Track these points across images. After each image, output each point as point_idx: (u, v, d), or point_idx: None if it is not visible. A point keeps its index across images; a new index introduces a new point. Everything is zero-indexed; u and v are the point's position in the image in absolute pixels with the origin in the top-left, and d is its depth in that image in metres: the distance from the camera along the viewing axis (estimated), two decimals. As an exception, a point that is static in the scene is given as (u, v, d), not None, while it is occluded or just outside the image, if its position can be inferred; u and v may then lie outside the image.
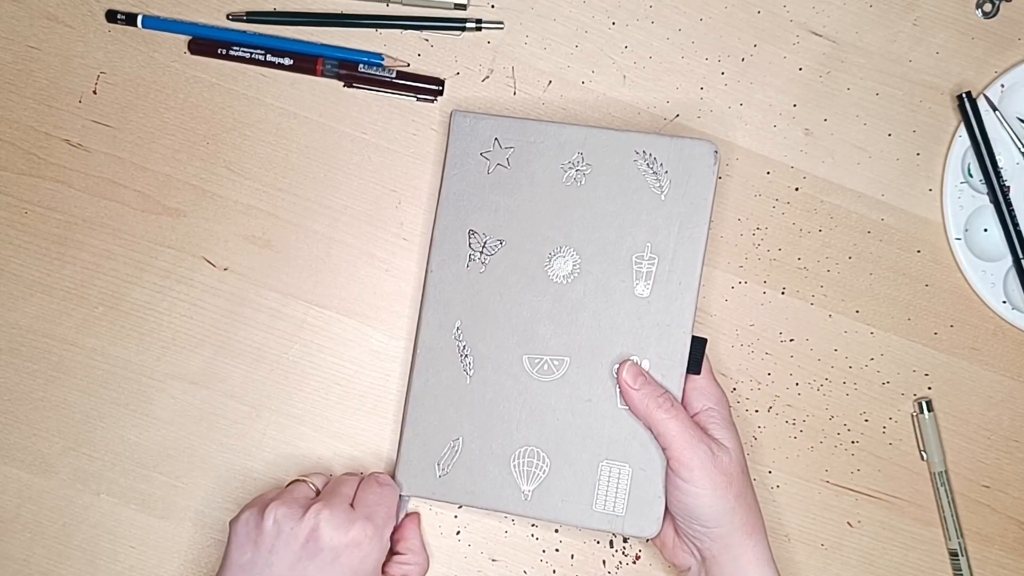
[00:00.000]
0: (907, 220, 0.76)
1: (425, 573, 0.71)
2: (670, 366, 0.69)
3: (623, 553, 0.75)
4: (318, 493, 0.69)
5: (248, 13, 0.75)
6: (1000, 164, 0.75)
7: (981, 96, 0.75)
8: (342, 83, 0.75)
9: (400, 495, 0.72)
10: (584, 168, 0.71)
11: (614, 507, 0.69)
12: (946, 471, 0.75)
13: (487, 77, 0.76)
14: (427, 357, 0.72)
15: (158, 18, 0.75)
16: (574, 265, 0.71)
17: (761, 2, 0.76)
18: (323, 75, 0.75)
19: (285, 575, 0.64)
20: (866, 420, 0.76)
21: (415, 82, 0.75)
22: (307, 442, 0.75)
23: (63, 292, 0.75)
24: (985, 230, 0.76)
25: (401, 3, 0.75)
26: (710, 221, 0.70)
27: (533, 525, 0.75)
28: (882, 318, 0.76)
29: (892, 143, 0.76)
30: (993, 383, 0.76)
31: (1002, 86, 0.75)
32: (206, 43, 0.75)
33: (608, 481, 0.69)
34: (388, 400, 0.75)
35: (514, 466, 0.70)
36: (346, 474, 0.72)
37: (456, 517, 0.75)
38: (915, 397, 0.76)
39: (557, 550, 0.75)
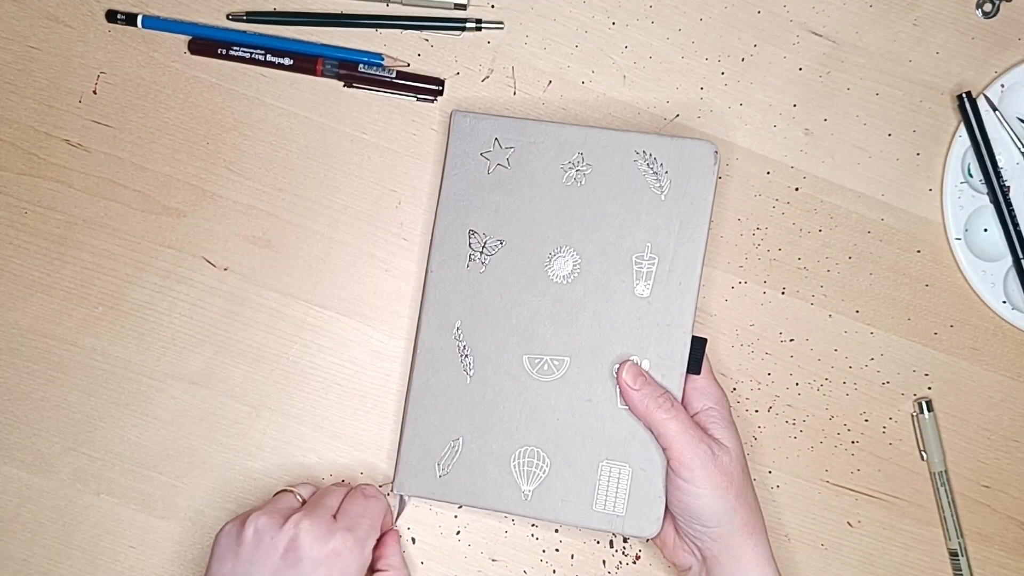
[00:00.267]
0: (907, 220, 0.76)
1: None
2: (670, 366, 0.69)
3: (623, 553, 0.75)
4: (304, 504, 0.69)
5: (248, 13, 0.75)
6: (1000, 164, 0.75)
7: (981, 96, 0.75)
8: (342, 83, 0.75)
9: (402, 496, 0.72)
10: (584, 168, 0.71)
11: (614, 507, 0.69)
12: (946, 471, 0.75)
13: (487, 77, 0.76)
14: (427, 357, 0.72)
15: (158, 18, 0.75)
16: (574, 265, 0.71)
17: (761, 2, 0.76)
18: (323, 75, 0.75)
19: None
20: (866, 420, 0.76)
21: (415, 82, 0.75)
22: (307, 442, 0.75)
23: (63, 292, 0.75)
24: (985, 230, 0.76)
25: (401, 3, 0.75)
26: (710, 221, 0.70)
27: (533, 525, 0.75)
28: (882, 318, 0.76)
29: (892, 143, 0.76)
30: (993, 383, 0.76)
31: (1002, 86, 0.75)
32: (206, 43, 0.75)
33: (608, 481, 0.69)
34: (388, 400, 0.75)
35: (514, 466, 0.70)
36: (334, 485, 0.72)
37: (456, 517, 0.75)
38: (915, 397, 0.76)
39: (557, 550, 0.75)
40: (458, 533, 0.75)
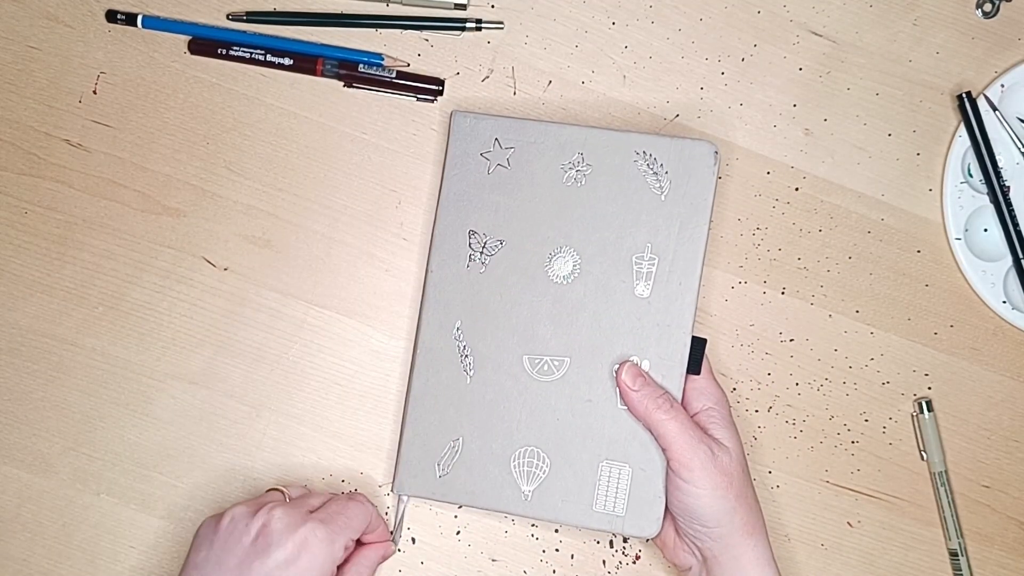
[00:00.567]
0: (907, 220, 0.76)
1: None
2: (670, 366, 0.69)
3: (623, 553, 0.75)
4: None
5: (248, 13, 0.75)
6: (1000, 164, 0.75)
7: (981, 96, 0.75)
8: (342, 83, 0.75)
9: (401, 496, 0.72)
10: (584, 168, 0.71)
11: (614, 507, 0.69)
12: (946, 471, 0.75)
13: (487, 77, 0.76)
14: (427, 357, 0.72)
15: (158, 18, 0.75)
16: (574, 265, 0.71)
17: (761, 2, 0.76)
18: (323, 75, 0.75)
19: (233, 572, 0.62)
20: (866, 420, 0.76)
21: (415, 82, 0.75)
22: (307, 442, 0.75)
23: (63, 292, 0.75)
24: (985, 230, 0.76)
25: (401, 3, 0.75)
26: (710, 221, 0.70)
27: (533, 525, 0.75)
28: (882, 318, 0.76)
29: (892, 143, 0.76)
30: (993, 383, 0.76)
31: (1002, 86, 0.75)
32: (206, 43, 0.75)
33: (608, 481, 0.69)
34: (388, 400, 0.75)
35: (514, 466, 0.70)
36: (328, 492, 0.72)
37: (456, 517, 0.75)
38: (915, 397, 0.76)
39: (557, 550, 0.75)
40: (458, 533, 0.75)
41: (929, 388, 0.76)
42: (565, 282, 0.71)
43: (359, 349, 0.75)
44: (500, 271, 0.71)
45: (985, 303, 0.76)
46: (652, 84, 0.76)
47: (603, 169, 0.71)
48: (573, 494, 0.70)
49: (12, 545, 0.74)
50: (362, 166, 0.76)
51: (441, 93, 0.75)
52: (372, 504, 0.69)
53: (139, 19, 0.75)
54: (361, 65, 0.75)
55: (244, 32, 0.75)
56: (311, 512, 0.66)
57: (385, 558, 0.71)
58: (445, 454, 0.71)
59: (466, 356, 0.71)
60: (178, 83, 0.76)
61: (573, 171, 0.71)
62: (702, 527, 0.67)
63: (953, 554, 0.75)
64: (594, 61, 0.76)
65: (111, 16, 0.75)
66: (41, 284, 0.75)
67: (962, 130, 0.75)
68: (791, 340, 0.76)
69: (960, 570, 0.75)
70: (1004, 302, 0.75)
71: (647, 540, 0.75)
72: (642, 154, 0.70)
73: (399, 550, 0.75)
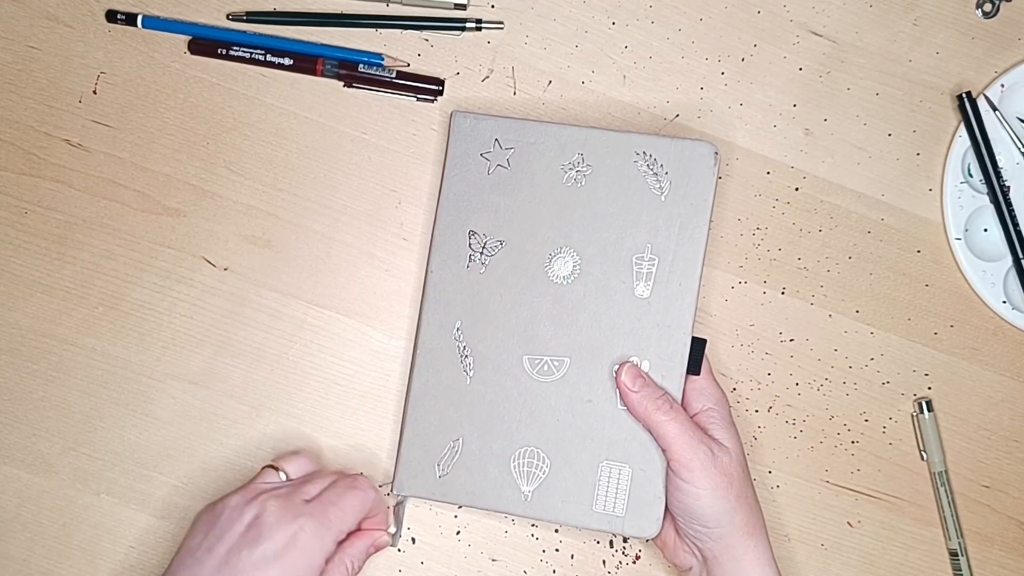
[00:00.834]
0: (907, 220, 0.76)
1: None
2: (670, 367, 0.69)
3: (623, 553, 0.75)
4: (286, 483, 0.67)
5: (248, 13, 0.75)
6: (1000, 164, 0.75)
7: (981, 96, 0.75)
8: (342, 83, 0.75)
9: (401, 496, 0.72)
10: (584, 169, 0.71)
11: (614, 507, 0.69)
12: (946, 471, 0.75)
13: (487, 77, 0.76)
14: (427, 357, 0.72)
15: (158, 18, 0.75)
16: (574, 266, 0.71)
17: (761, 2, 0.76)
18: (323, 75, 0.75)
19: (223, 560, 0.62)
20: (866, 420, 0.76)
21: (415, 82, 0.75)
22: (307, 442, 0.75)
23: (63, 292, 0.75)
24: (985, 230, 0.76)
25: (401, 3, 0.75)
26: (710, 222, 0.70)
27: (533, 525, 0.75)
28: (882, 318, 0.76)
29: (892, 143, 0.76)
30: (993, 383, 0.76)
31: (1002, 86, 0.75)
32: (206, 43, 0.75)
33: (608, 482, 0.69)
34: (388, 400, 0.75)
35: (514, 467, 0.70)
36: (331, 472, 0.70)
37: (456, 517, 0.75)
38: (915, 397, 0.76)
39: (557, 550, 0.75)
40: (458, 533, 0.75)
41: (929, 388, 0.76)
42: (565, 282, 0.71)
43: (359, 349, 0.75)
44: (500, 271, 0.71)
45: (985, 303, 0.76)
46: (652, 84, 0.76)
47: (603, 170, 0.71)
48: (573, 494, 0.70)
49: (12, 545, 0.74)
50: (362, 166, 0.76)
51: (441, 93, 0.75)
52: (374, 489, 0.68)
53: (139, 19, 0.75)
54: (361, 65, 0.75)
55: (244, 32, 0.75)
56: (307, 502, 0.65)
57: (377, 548, 0.69)
58: (445, 454, 0.71)
59: (466, 356, 0.71)
60: (178, 83, 0.76)
61: (573, 171, 0.71)
62: (702, 527, 0.67)
63: (953, 554, 0.75)
64: (594, 61, 0.76)
65: (111, 16, 0.75)
66: (41, 284, 0.75)
67: (962, 130, 0.75)
68: (791, 340, 0.76)
69: (960, 570, 0.75)
70: (1004, 302, 0.75)
71: (647, 541, 0.75)
72: (642, 154, 0.70)
73: (399, 550, 0.75)
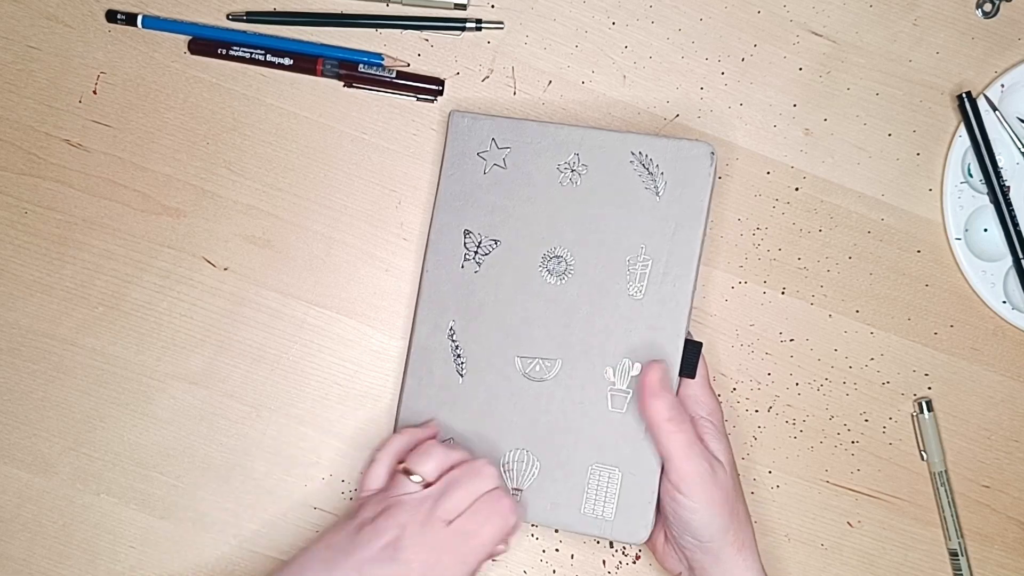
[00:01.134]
0: (907, 220, 0.76)
1: None
2: None
3: (623, 553, 0.75)
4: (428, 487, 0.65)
5: (248, 13, 0.75)
6: (1000, 164, 0.75)
7: (981, 96, 0.75)
8: (342, 83, 0.75)
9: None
10: (580, 169, 0.71)
11: (603, 511, 0.69)
12: (946, 471, 0.75)
13: (487, 77, 0.76)
14: (421, 357, 0.72)
15: (158, 18, 0.75)
16: (568, 267, 0.71)
17: (761, 2, 0.76)
18: (323, 75, 0.75)
19: (356, 568, 0.62)
20: (866, 420, 0.76)
21: (415, 82, 0.75)
22: (307, 442, 0.75)
23: (63, 292, 0.75)
24: (985, 230, 0.76)
25: (401, 3, 0.75)
26: (707, 223, 0.69)
27: (533, 525, 0.75)
28: (882, 318, 0.76)
29: (892, 143, 0.76)
30: (993, 383, 0.76)
31: (1002, 86, 0.75)
32: (206, 43, 0.75)
33: (598, 485, 0.69)
34: (388, 400, 0.75)
35: (504, 468, 0.70)
36: (472, 468, 0.66)
37: (456, 517, 0.75)
38: (915, 397, 0.76)
39: (557, 550, 0.75)
40: (458, 533, 0.75)
41: (929, 388, 0.76)
42: (559, 283, 0.71)
43: (359, 349, 0.75)
44: (495, 271, 0.71)
45: (985, 303, 0.76)
46: (652, 84, 0.76)
47: (598, 170, 0.70)
48: (563, 497, 0.69)
49: (12, 545, 0.75)
50: (362, 166, 0.76)
51: (441, 93, 0.75)
52: (515, 513, 0.65)
53: (139, 19, 0.75)
54: (361, 65, 0.75)
55: (244, 32, 0.75)
56: (448, 523, 0.63)
57: (491, 557, 0.66)
58: None
59: (459, 356, 0.71)
60: (178, 83, 0.76)
61: (569, 172, 0.71)
62: (694, 540, 0.66)
63: (953, 554, 0.75)
64: (594, 61, 0.76)
65: (111, 16, 0.75)
66: (41, 284, 0.75)
67: (962, 130, 0.75)
68: (791, 340, 0.76)
69: (960, 570, 0.75)
70: (1004, 302, 0.75)
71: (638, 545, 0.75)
72: (638, 155, 0.70)
73: None
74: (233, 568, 0.75)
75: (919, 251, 0.76)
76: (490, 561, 0.68)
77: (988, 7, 0.76)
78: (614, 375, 0.69)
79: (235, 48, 0.75)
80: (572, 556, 0.75)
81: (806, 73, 0.76)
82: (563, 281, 0.70)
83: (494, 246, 0.71)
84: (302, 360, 0.75)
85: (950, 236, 0.76)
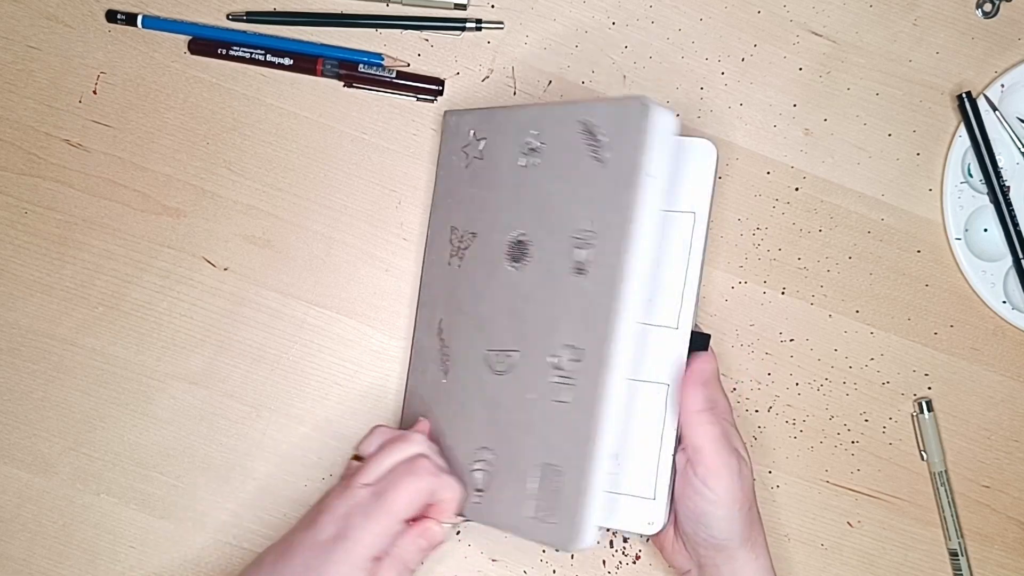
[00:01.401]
0: (907, 220, 0.76)
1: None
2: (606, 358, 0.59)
3: (623, 553, 0.75)
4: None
5: (248, 13, 0.75)
6: (1000, 164, 0.75)
7: (981, 96, 0.75)
8: (342, 83, 0.75)
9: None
10: (540, 148, 0.64)
11: (546, 515, 0.61)
12: (946, 471, 0.75)
13: (487, 77, 0.76)
14: (419, 357, 0.71)
15: (158, 18, 0.75)
16: (526, 252, 0.65)
17: (761, 2, 0.76)
18: (323, 75, 0.75)
19: (287, 544, 0.65)
20: (866, 420, 0.76)
21: (415, 82, 0.75)
22: (307, 442, 0.75)
23: (63, 292, 0.75)
24: (985, 230, 0.76)
25: (401, 3, 0.75)
26: (643, 189, 0.59)
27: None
28: (882, 318, 0.76)
29: (892, 143, 0.76)
30: (993, 383, 0.76)
31: (1002, 86, 0.75)
32: (206, 43, 0.75)
33: (540, 487, 0.61)
34: (388, 400, 0.75)
35: (472, 468, 0.66)
36: (400, 441, 0.66)
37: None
38: (915, 397, 0.76)
39: (557, 550, 0.75)
40: (458, 533, 0.75)
41: (929, 388, 0.76)
42: (518, 270, 0.65)
43: (359, 349, 0.75)
44: (472, 265, 0.68)
45: (985, 303, 0.76)
46: (652, 84, 0.76)
47: (554, 147, 0.63)
48: (508, 498, 0.63)
49: (12, 545, 0.75)
50: (362, 166, 0.76)
51: (441, 93, 0.75)
52: (432, 473, 0.64)
53: (139, 19, 0.75)
54: (361, 65, 0.75)
55: (244, 32, 0.75)
56: (366, 486, 0.64)
57: (430, 543, 0.65)
58: None
59: (445, 355, 0.69)
60: (178, 83, 0.76)
61: (530, 153, 0.65)
62: (709, 536, 0.65)
63: (953, 554, 0.75)
64: (594, 61, 0.76)
65: (111, 16, 0.75)
66: (41, 284, 0.75)
67: (962, 130, 0.75)
68: (791, 340, 0.76)
69: (960, 570, 0.75)
70: (1004, 302, 0.75)
71: (562, 551, 0.74)
72: (584, 123, 0.61)
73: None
74: (233, 568, 0.74)
75: (919, 251, 0.76)
76: (453, 533, 0.69)
77: (988, 7, 0.76)
78: (558, 363, 0.61)
79: (235, 48, 0.75)
80: (572, 556, 0.75)
81: (806, 73, 0.76)
82: (522, 268, 0.64)
83: (472, 240, 0.68)
84: (302, 360, 0.75)
85: (950, 236, 0.76)
